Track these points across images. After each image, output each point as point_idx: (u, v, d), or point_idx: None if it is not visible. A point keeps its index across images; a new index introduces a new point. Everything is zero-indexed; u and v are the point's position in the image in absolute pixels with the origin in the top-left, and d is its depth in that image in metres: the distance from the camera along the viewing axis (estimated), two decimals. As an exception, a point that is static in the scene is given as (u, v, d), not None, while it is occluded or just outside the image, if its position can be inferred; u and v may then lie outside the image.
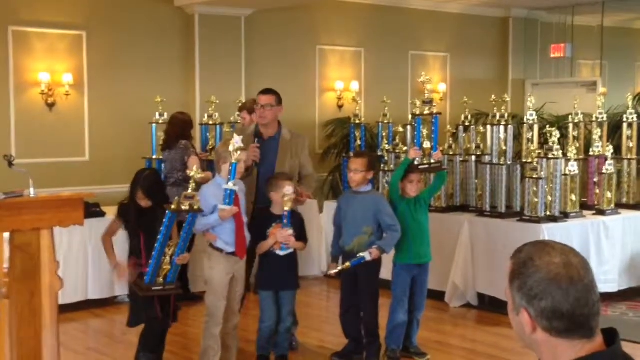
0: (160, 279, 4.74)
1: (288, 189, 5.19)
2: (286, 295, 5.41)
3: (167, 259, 4.71)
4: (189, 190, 4.65)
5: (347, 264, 5.38)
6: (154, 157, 7.48)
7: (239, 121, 7.77)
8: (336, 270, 5.51)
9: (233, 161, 4.92)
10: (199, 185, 4.86)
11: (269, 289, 5.36)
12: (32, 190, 3.89)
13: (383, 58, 11.05)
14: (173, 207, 4.56)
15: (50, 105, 8.35)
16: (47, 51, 8.35)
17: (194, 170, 4.71)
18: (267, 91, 5.78)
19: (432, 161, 5.88)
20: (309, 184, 5.78)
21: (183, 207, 4.58)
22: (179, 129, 7.25)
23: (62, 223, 3.92)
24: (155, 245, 4.63)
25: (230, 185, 4.93)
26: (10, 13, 8.14)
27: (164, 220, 4.60)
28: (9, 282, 3.71)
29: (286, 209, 5.18)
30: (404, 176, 5.63)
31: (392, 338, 5.60)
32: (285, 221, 5.22)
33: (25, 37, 8.23)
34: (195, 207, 4.63)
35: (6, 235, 3.73)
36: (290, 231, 5.26)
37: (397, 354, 5.59)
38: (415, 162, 5.71)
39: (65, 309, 6.11)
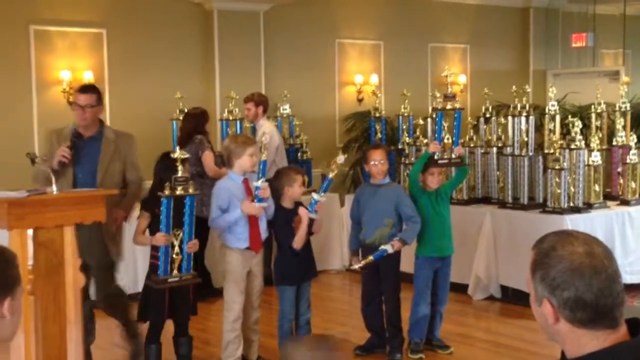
0: (175, 271, 4.75)
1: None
2: (304, 287, 5.39)
3: (177, 248, 4.72)
4: (179, 168, 4.61)
5: (370, 257, 5.36)
6: (175, 153, 7.49)
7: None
8: (360, 265, 5.50)
9: (331, 177, 5.02)
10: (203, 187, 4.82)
11: (291, 284, 5.31)
12: (54, 188, 3.92)
13: (402, 51, 11.00)
14: (167, 192, 4.54)
15: (72, 103, 8.38)
16: (68, 49, 8.40)
17: (178, 152, 4.68)
18: (87, 89, 5.19)
19: (453, 156, 5.85)
20: (133, 193, 5.20)
21: (177, 192, 4.57)
22: (191, 124, 7.26)
23: (85, 220, 3.94)
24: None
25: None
26: (32, 12, 8.20)
27: (162, 208, 4.59)
28: (34, 279, 3.75)
29: (263, 157, 5.08)
30: (424, 169, 5.61)
31: (415, 331, 5.58)
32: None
33: (47, 36, 8.28)
34: (190, 190, 4.62)
35: (30, 232, 3.77)
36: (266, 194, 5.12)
37: (420, 346, 5.58)
38: (435, 157, 5.68)
39: (90, 305, 6.15)
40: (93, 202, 3.99)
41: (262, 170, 5.03)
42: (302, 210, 5.19)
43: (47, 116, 8.26)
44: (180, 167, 4.64)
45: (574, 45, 12.62)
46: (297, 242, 5.19)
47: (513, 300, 6.85)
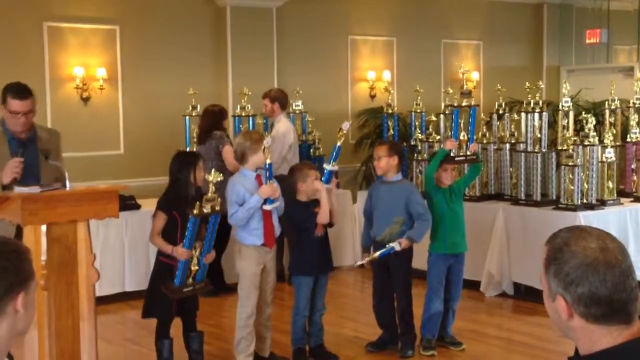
0: (190, 280, 4.76)
1: (267, 140, 5.09)
2: (321, 280, 5.38)
3: (195, 260, 4.73)
4: (209, 194, 4.62)
5: (375, 255, 5.36)
6: (188, 149, 7.52)
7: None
8: (364, 261, 5.50)
9: (339, 144, 5.10)
10: (221, 182, 4.80)
11: (308, 274, 5.30)
12: (67, 184, 3.94)
13: (415, 47, 10.97)
14: (195, 212, 4.53)
15: (85, 100, 8.43)
16: (81, 46, 8.43)
17: (213, 175, 4.65)
18: (25, 94, 4.63)
19: (468, 153, 5.83)
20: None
21: (205, 211, 4.57)
22: (209, 121, 7.28)
23: (98, 215, 3.96)
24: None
25: (330, 166, 5.11)
26: (45, 9, 8.23)
27: (188, 225, 4.59)
28: (47, 274, 3.76)
29: (268, 161, 5.05)
30: (438, 166, 5.59)
31: (427, 328, 5.58)
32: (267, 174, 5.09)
33: (60, 33, 8.32)
34: (217, 208, 4.62)
35: (43, 227, 3.79)
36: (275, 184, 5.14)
37: (433, 343, 5.57)
38: (452, 154, 5.67)
39: (103, 301, 6.19)
40: (106, 198, 4.00)
41: (269, 172, 5.03)
42: (318, 183, 5.19)
43: (61, 113, 8.30)
44: (212, 188, 4.64)
45: (587, 41, 12.55)
46: (322, 217, 5.17)
47: (526, 297, 6.83)
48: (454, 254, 5.63)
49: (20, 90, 4.61)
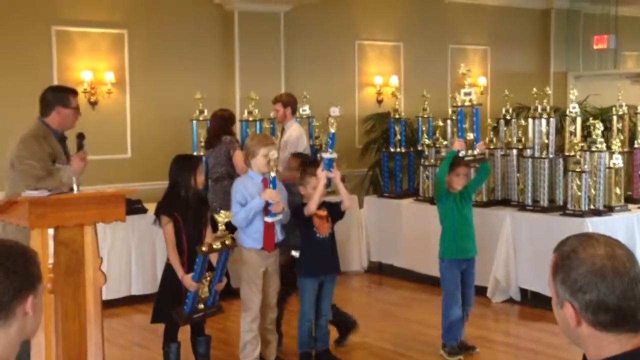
0: (201, 305, 4.74)
1: (273, 153, 5.08)
2: (328, 283, 5.37)
3: (205, 289, 4.68)
4: (220, 228, 4.53)
5: None
6: (195, 153, 7.53)
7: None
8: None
9: (333, 131, 5.08)
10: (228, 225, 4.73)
11: (314, 274, 5.30)
12: (75, 187, 3.95)
13: (422, 52, 10.97)
14: (204, 249, 4.47)
15: (93, 104, 8.45)
16: (89, 50, 8.46)
17: (222, 215, 4.53)
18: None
19: (476, 152, 5.82)
20: None
21: (215, 247, 4.50)
22: (218, 126, 7.29)
23: (105, 219, 3.97)
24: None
25: (328, 154, 5.12)
26: (53, 13, 8.26)
27: (197, 260, 4.52)
28: (54, 277, 3.77)
29: (272, 174, 5.05)
30: (451, 170, 5.54)
31: (450, 334, 5.56)
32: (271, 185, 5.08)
33: (68, 37, 8.34)
34: (227, 243, 4.58)
35: (51, 231, 3.79)
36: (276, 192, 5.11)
37: (457, 349, 5.56)
38: (460, 154, 5.65)
39: (109, 305, 6.20)
40: (113, 201, 4.01)
41: (272, 183, 5.03)
42: (319, 172, 5.21)
43: (69, 116, 8.31)
44: (221, 227, 4.55)
45: (595, 47, 12.52)
46: (311, 206, 5.15)
47: (532, 303, 6.81)
48: (465, 258, 5.61)
49: (75, 89, 5.24)
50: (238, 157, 6.90)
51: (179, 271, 4.83)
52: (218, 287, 4.78)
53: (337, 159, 5.35)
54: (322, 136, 8.39)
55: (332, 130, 5.18)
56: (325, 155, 5.25)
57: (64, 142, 5.13)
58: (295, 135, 7.46)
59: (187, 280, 4.71)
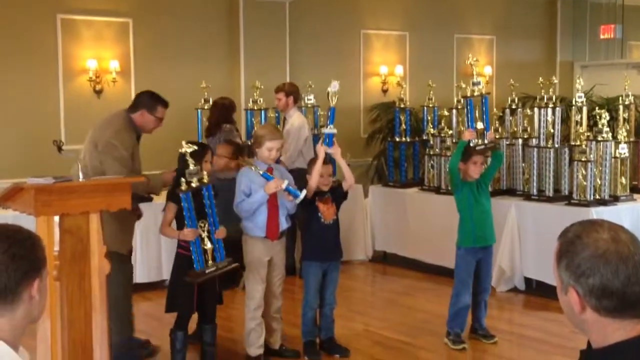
0: (210, 261, 4.77)
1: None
2: (332, 272, 5.38)
3: (205, 239, 4.73)
4: (190, 167, 4.60)
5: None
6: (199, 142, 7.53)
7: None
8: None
9: (332, 105, 5.08)
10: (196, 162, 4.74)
11: (319, 259, 5.31)
12: (80, 175, 3.95)
13: (428, 41, 10.94)
14: (183, 188, 4.56)
15: (98, 92, 8.46)
16: (94, 39, 8.45)
17: (185, 146, 4.62)
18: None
19: (487, 141, 5.81)
20: None
21: (193, 185, 4.59)
22: (218, 114, 7.30)
23: (110, 207, 3.97)
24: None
25: (328, 129, 5.12)
26: (59, 1, 8.25)
27: (182, 204, 4.60)
28: (60, 265, 3.77)
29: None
30: (467, 159, 5.52)
31: (456, 322, 5.56)
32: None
33: (73, 25, 8.34)
34: (205, 180, 4.63)
35: (56, 218, 3.80)
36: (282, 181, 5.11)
37: (461, 337, 5.56)
38: (471, 144, 5.64)
39: (114, 292, 6.20)
40: (119, 189, 4.01)
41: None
42: (319, 147, 5.22)
43: (73, 105, 8.33)
44: (189, 160, 4.62)
45: (602, 36, 12.48)
46: (311, 183, 5.15)
47: (537, 292, 6.81)
48: (483, 247, 5.61)
49: (167, 101, 5.39)
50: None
51: (174, 233, 4.87)
52: (218, 234, 4.79)
53: (342, 151, 5.33)
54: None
55: (332, 105, 5.17)
56: (325, 131, 5.25)
57: (138, 140, 5.38)
58: (296, 125, 7.46)
59: (184, 232, 4.72)
